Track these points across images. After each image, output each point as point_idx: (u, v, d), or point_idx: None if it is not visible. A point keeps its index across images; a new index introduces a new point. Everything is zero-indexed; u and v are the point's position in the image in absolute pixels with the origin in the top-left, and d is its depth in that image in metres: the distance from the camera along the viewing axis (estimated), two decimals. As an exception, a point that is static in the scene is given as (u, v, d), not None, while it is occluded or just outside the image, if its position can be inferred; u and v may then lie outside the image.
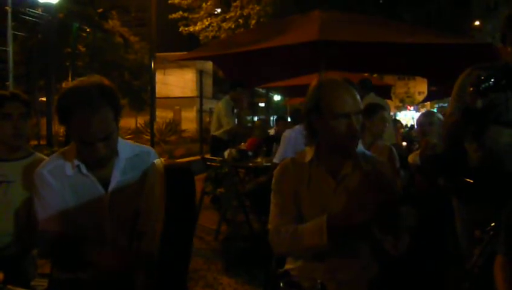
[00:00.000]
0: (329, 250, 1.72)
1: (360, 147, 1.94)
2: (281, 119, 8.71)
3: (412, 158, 3.95)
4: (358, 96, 1.79)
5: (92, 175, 1.89)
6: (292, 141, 4.22)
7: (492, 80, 2.02)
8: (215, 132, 7.29)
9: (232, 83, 7.20)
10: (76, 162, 1.87)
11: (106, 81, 1.81)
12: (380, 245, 1.77)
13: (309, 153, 1.91)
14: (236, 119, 7.35)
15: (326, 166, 1.86)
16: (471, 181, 2.32)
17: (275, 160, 4.63)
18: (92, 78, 1.80)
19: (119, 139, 1.94)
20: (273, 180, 1.93)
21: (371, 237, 1.78)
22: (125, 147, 1.96)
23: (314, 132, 1.86)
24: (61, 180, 1.87)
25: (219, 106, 7.30)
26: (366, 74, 9.58)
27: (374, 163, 1.91)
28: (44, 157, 2.34)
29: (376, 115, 3.78)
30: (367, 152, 2.08)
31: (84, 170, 1.87)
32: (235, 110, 7.29)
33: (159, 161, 1.89)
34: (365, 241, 1.85)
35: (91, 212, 1.89)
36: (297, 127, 4.31)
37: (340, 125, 1.74)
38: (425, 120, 3.97)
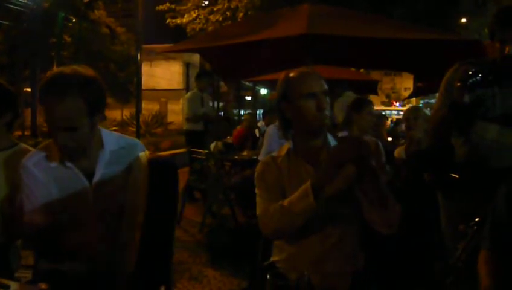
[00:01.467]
0: (318, 228, 1.77)
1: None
2: (267, 114, 8.73)
3: (398, 152, 3.98)
4: (323, 80, 1.88)
5: (76, 167, 1.87)
6: (276, 136, 4.22)
7: (479, 75, 2.04)
8: (184, 126, 7.48)
9: (197, 74, 7.42)
10: (60, 154, 1.85)
11: (91, 72, 1.77)
12: (369, 229, 1.78)
13: (286, 147, 1.97)
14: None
15: (304, 155, 1.91)
16: (457, 176, 2.34)
17: (260, 157, 4.63)
18: (78, 67, 1.77)
19: (105, 131, 1.92)
20: (255, 175, 1.97)
21: (360, 211, 1.79)
22: (111, 139, 1.94)
23: (287, 122, 1.93)
24: (46, 173, 1.85)
25: (184, 97, 7.53)
26: (353, 69, 9.64)
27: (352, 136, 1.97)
28: (29, 147, 2.31)
29: (364, 109, 3.79)
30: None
31: (67, 162, 1.85)
32: (205, 102, 7.31)
33: (143, 154, 1.88)
34: (350, 230, 1.86)
35: (75, 204, 1.87)
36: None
37: (308, 105, 1.82)
38: (411, 115, 4.00)
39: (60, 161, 1.85)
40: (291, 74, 1.92)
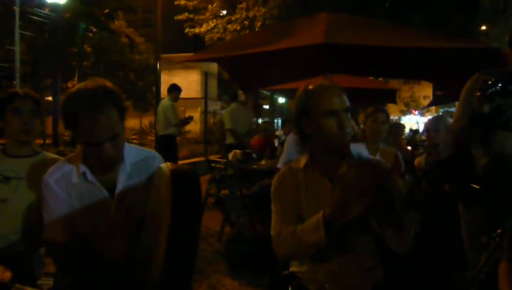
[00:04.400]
0: (330, 247, 1.72)
1: (354, 149, 1.94)
2: (287, 122, 8.80)
3: (418, 162, 3.95)
4: (344, 96, 1.83)
5: (98, 181, 1.89)
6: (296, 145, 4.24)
7: (499, 84, 2.02)
8: (163, 131, 8.00)
9: (169, 87, 8.17)
10: (82, 168, 1.87)
11: (109, 84, 1.82)
12: (385, 244, 1.77)
13: (304, 159, 1.94)
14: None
15: (321, 169, 1.88)
16: (478, 187, 2.31)
17: (279, 165, 4.64)
18: (95, 80, 1.81)
19: (125, 143, 1.94)
20: (272, 189, 1.96)
21: (373, 234, 1.78)
22: (131, 151, 1.97)
23: (306, 137, 1.90)
24: (67, 189, 1.88)
25: (164, 106, 8.08)
26: (371, 78, 9.59)
27: (369, 162, 1.93)
28: (53, 155, 2.37)
29: (369, 117, 3.79)
30: (363, 154, 2.09)
31: (89, 176, 1.88)
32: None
33: (165, 165, 1.89)
34: (368, 243, 1.85)
35: (98, 218, 1.90)
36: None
37: (329, 123, 1.78)
38: (432, 125, 3.95)
39: (82, 175, 1.88)
40: (311, 88, 1.86)
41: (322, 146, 1.88)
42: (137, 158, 1.97)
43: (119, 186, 1.90)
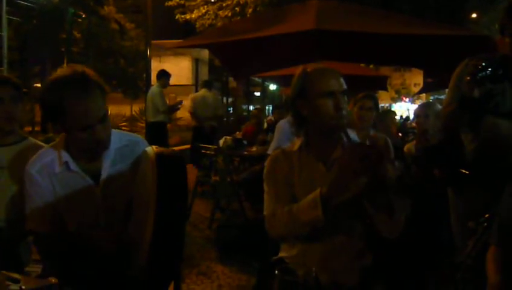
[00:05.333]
0: (323, 228, 1.72)
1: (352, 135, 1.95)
2: (277, 108, 8.84)
3: (407, 148, 3.96)
4: (341, 79, 1.84)
5: (81, 170, 1.87)
6: (286, 130, 4.23)
7: (489, 69, 2.03)
8: (153, 118, 8.02)
9: (158, 73, 8.16)
10: (64, 157, 1.85)
11: (87, 69, 1.80)
12: (375, 230, 1.77)
13: (298, 142, 1.94)
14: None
15: (316, 153, 1.89)
16: (467, 172, 2.33)
17: (269, 151, 4.64)
18: (72, 67, 1.80)
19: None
20: (265, 171, 1.95)
21: (364, 219, 1.79)
22: (114, 137, 1.94)
23: (302, 119, 1.90)
24: (50, 179, 1.86)
25: (152, 93, 8.13)
26: (362, 65, 9.59)
27: (364, 143, 1.94)
28: (38, 142, 2.33)
29: (356, 104, 3.81)
30: (356, 139, 2.09)
31: (72, 166, 1.86)
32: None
33: (150, 149, 1.87)
34: (359, 228, 1.86)
35: (84, 206, 1.88)
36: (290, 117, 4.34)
37: (326, 104, 1.79)
38: (422, 111, 3.97)
39: (64, 165, 1.86)
40: (309, 70, 1.87)
41: (317, 128, 1.88)
42: (120, 143, 1.96)
43: (104, 173, 1.89)
